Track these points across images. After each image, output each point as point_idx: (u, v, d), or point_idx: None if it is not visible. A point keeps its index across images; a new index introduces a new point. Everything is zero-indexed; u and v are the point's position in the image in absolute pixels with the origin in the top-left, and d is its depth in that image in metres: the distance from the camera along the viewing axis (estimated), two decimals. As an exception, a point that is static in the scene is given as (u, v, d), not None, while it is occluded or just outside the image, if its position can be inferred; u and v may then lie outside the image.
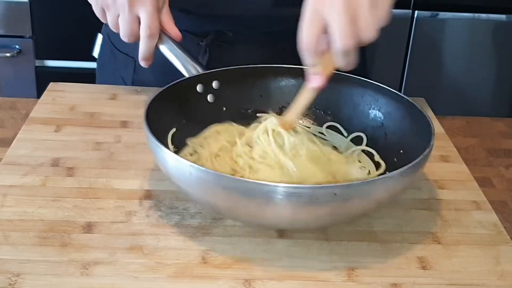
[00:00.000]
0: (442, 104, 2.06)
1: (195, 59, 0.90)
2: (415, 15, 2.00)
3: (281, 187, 0.64)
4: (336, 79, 0.80)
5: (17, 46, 2.04)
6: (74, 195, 0.79)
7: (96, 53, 1.19)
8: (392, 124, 0.84)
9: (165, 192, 0.79)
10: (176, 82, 0.84)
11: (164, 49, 0.89)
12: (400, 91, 2.15)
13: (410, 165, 0.69)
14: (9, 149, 0.87)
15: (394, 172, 0.68)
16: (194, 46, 1.01)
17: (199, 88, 0.87)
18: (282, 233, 0.74)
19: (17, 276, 0.66)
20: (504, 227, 0.78)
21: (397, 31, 2.02)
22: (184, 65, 0.88)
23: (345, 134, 0.87)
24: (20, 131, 0.92)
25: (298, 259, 0.71)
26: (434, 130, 0.75)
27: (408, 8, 2.00)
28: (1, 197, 0.78)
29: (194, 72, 0.88)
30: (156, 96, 0.80)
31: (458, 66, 2.09)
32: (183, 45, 0.90)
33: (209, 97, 0.88)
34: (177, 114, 0.84)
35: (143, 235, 0.73)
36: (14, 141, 0.89)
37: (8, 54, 2.02)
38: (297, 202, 0.65)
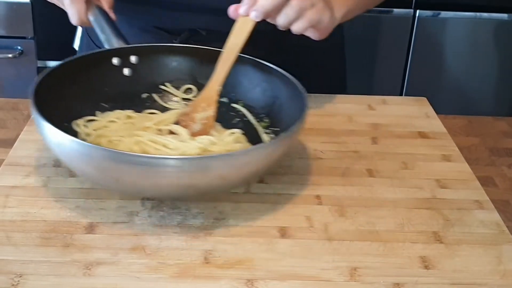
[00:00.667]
0: (444, 103, 2.06)
1: (122, 36, 0.92)
2: (417, 15, 2.00)
3: (127, 155, 0.69)
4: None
5: (19, 47, 2.04)
6: (77, 196, 0.79)
7: (76, 45, 1.20)
8: (281, 104, 0.87)
9: (167, 192, 0.80)
10: (90, 54, 0.89)
11: (93, 21, 0.92)
12: (402, 90, 2.17)
13: (252, 147, 0.74)
14: (11, 150, 0.87)
15: (237, 151, 0.73)
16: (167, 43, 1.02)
17: (115, 61, 0.90)
18: (284, 233, 0.74)
19: (20, 276, 0.66)
20: (507, 227, 0.78)
21: (398, 31, 2.02)
22: (108, 40, 0.92)
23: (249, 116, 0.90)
24: (22, 132, 0.92)
25: (300, 259, 0.71)
26: (304, 116, 0.78)
27: (410, 8, 2.00)
28: (4, 198, 0.78)
29: (116, 46, 0.91)
30: (58, 66, 0.85)
31: (460, 65, 2.08)
32: (114, 22, 0.93)
33: (126, 71, 0.91)
34: (85, 86, 0.88)
35: (145, 235, 0.73)
36: (16, 142, 0.89)
37: (10, 55, 2.02)
38: (145, 171, 0.69)
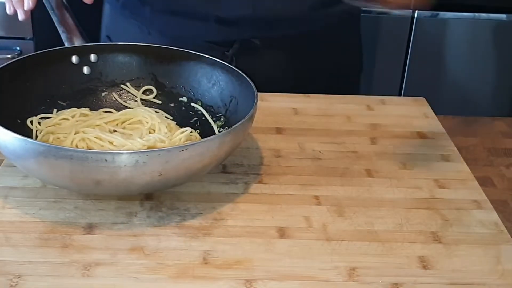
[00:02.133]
0: (443, 103, 2.06)
1: (83, 34, 0.94)
2: (415, 15, 2.00)
3: (50, 147, 0.70)
4: (186, 58, 0.90)
5: (17, 48, 2.04)
6: (75, 197, 0.79)
7: None
8: (237, 103, 0.88)
9: (165, 193, 0.80)
10: (49, 51, 0.90)
11: (55, 19, 0.94)
12: (400, 91, 2.17)
13: (187, 144, 0.74)
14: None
15: (172, 147, 0.72)
16: (219, 56, 1.02)
17: (74, 59, 0.91)
18: (283, 233, 0.74)
19: (18, 277, 0.66)
20: (505, 226, 0.78)
21: (397, 31, 2.02)
22: (69, 38, 0.93)
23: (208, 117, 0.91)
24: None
25: (299, 259, 0.71)
26: (251, 116, 0.78)
27: (408, 8, 2.00)
28: (3, 199, 0.78)
29: (76, 44, 0.93)
30: (15, 62, 0.86)
31: (458, 65, 2.08)
32: (76, 20, 0.94)
33: (85, 69, 0.92)
34: (43, 84, 0.89)
35: (144, 236, 0.73)
36: (15, 143, 0.89)
37: (8, 56, 2.02)
38: (74, 164, 0.69)
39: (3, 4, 2.04)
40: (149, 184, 0.73)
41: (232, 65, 1.04)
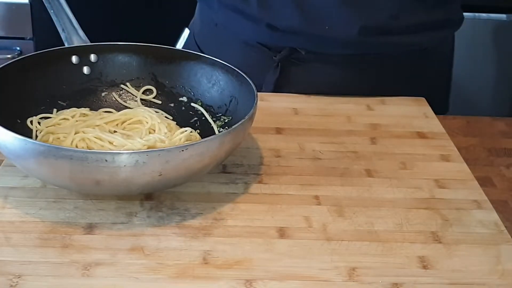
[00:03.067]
0: (443, 103, 2.06)
1: (82, 34, 0.94)
2: (415, 15, 2.00)
3: (50, 147, 0.70)
4: (186, 58, 0.91)
5: (17, 48, 2.04)
6: (75, 197, 0.79)
7: (179, 46, 1.22)
8: (237, 103, 0.88)
9: (166, 193, 0.80)
10: (49, 51, 0.90)
11: (54, 18, 0.94)
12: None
13: (184, 144, 0.74)
14: (10, 150, 0.87)
15: (172, 147, 0.72)
16: (266, 59, 1.03)
17: (74, 59, 0.91)
18: (283, 233, 0.75)
19: (18, 277, 0.66)
20: (505, 226, 0.78)
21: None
22: (68, 38, 0.93)
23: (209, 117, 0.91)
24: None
25: (299, 259, 0.71)
26: (251, 116, 0.78)
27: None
28: (3, 199, 0.78)
29: (76, 44, 0.93)
30: (14, 63, 0.86)
31: (458, 65, 2.08)
32: (76, 20, 0.94)
33: (85, 69, 0.92)
34: (42, 84, 0.89)
35: (144, 236, 0.73)
36: (15, 143, 0.89)
37: (9, 56, 2.02)
38: (74, 164, 0.69)
39: (3, 4, 2.05)
40: (149, 184, 0.73)
41: (277, 71, 1.06)
